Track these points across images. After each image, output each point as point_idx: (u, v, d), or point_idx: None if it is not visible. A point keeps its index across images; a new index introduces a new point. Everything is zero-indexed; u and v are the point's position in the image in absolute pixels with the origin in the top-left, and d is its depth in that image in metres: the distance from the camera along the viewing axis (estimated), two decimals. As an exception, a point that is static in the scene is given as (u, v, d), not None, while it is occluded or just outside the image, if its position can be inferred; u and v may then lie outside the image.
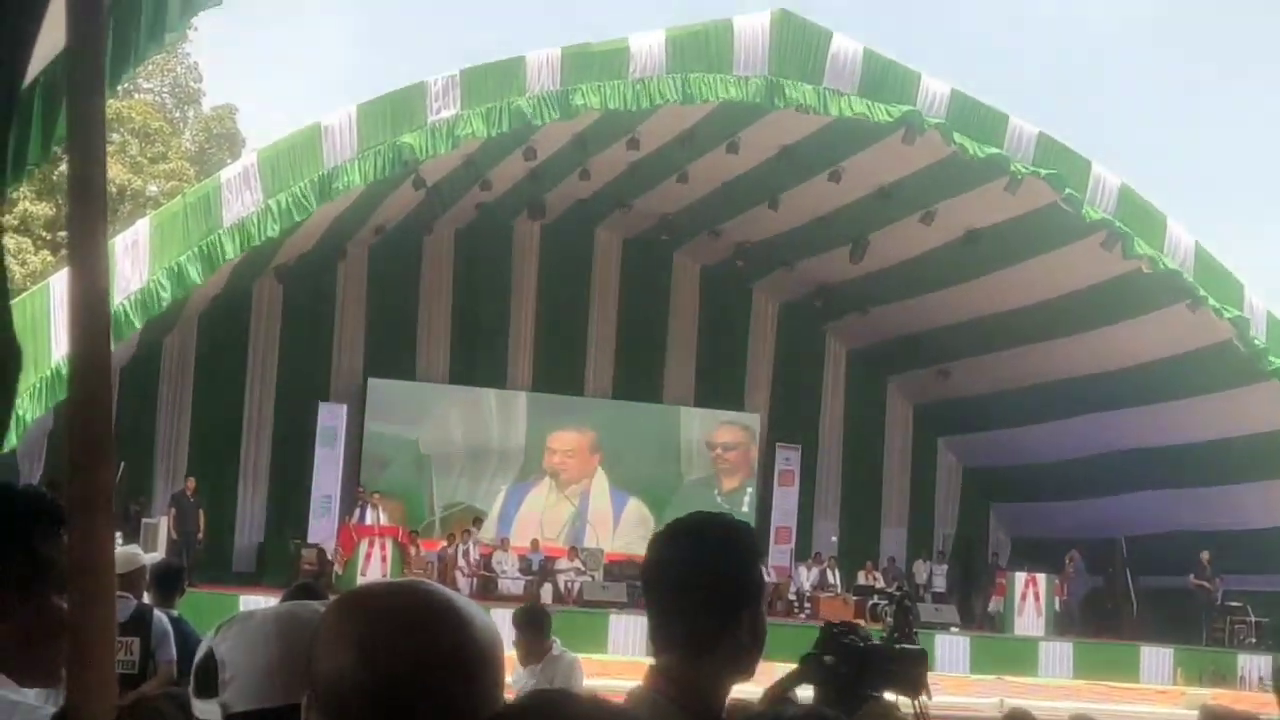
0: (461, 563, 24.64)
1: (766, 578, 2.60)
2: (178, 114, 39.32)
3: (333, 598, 1.79)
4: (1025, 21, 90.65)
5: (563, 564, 25.80)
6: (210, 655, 1.99)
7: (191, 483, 23.52)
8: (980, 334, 26.13)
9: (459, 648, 1.41)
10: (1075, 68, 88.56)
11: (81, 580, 1.28)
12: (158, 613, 7.63)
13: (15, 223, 32.26)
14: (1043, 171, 21.27)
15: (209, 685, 1.96)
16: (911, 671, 3.32)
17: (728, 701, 2.38)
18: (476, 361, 27.90)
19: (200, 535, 23.14)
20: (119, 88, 23.22)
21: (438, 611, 1.44)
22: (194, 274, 17.48)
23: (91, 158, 1.29)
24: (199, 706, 2.02)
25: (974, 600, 27.74)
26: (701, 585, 2.33)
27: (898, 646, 3.38)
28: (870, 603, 23.72)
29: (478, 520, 26.63)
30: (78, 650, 1.25)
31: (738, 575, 2.37)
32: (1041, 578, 25.67)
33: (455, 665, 1.41)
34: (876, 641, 3.32)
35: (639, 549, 26.22)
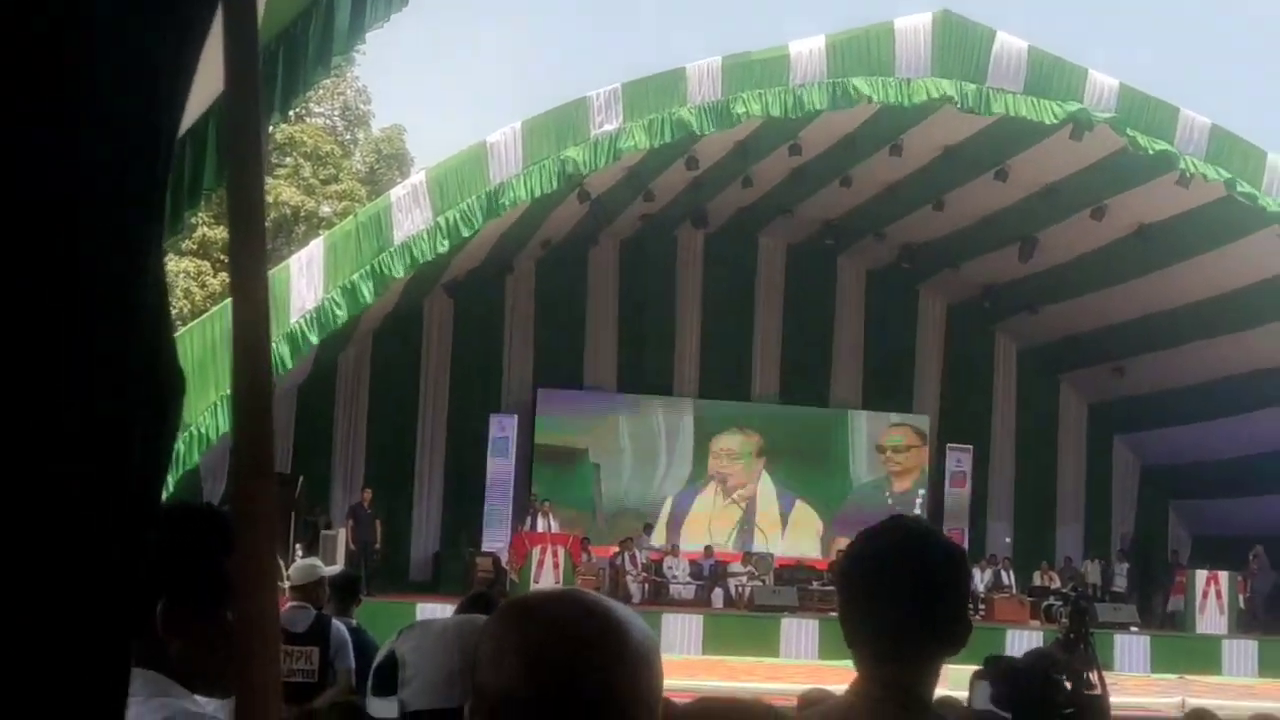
0: (631, 568, 24.82)
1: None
2: (348, 136, 40.17)
3: None
4: (1189, 9, 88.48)
5: (734, 568, 25.85)
6: (392, 655, 2.12)
7: (368, 494, 24.03)
8: (1154, 330, 25.62)
9: (619, 657, 1.43)
10: (1242, 54, 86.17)
11: (243, 594, 1.36)
12: (336, 622, 7.84)
13: (194, 246, 33.25)
14: (1211, 172, 20.76)
15: (389, 683, 2.09)
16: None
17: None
18: (643, 370, 28.10)
19: (377, 546, 23.61)
20: (290, 113, 23.82)
21: (597, 621, 1.46)
22: (366, 292, 17.88)
23: (249, 184, 1.33)
24: (376, 705, 2.15)
25: (1154, 599, 27.18)
26: (937, 591, 2.30)
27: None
28: (1045, 604, 23.35)
29: (648, 526, 26.81)
30: (242, 664, 1.33)
31: (964, 582, 2.37)
32: (1224, 575, 25.06)
33: (615, 674, 1.44)
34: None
35: (809, 552, 26.35)
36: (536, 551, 23.20)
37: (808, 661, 20.51)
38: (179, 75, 1.13)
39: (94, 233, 1.09)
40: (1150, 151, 20.62)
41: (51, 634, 0.98)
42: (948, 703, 4.09)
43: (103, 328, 1.09)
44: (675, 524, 27.94)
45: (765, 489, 28.75)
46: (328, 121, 39.21)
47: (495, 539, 25.27)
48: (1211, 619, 24.64)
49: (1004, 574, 26.57)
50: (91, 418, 1.07)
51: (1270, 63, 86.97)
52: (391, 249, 18.13)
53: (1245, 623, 25.24)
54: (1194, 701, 11.48)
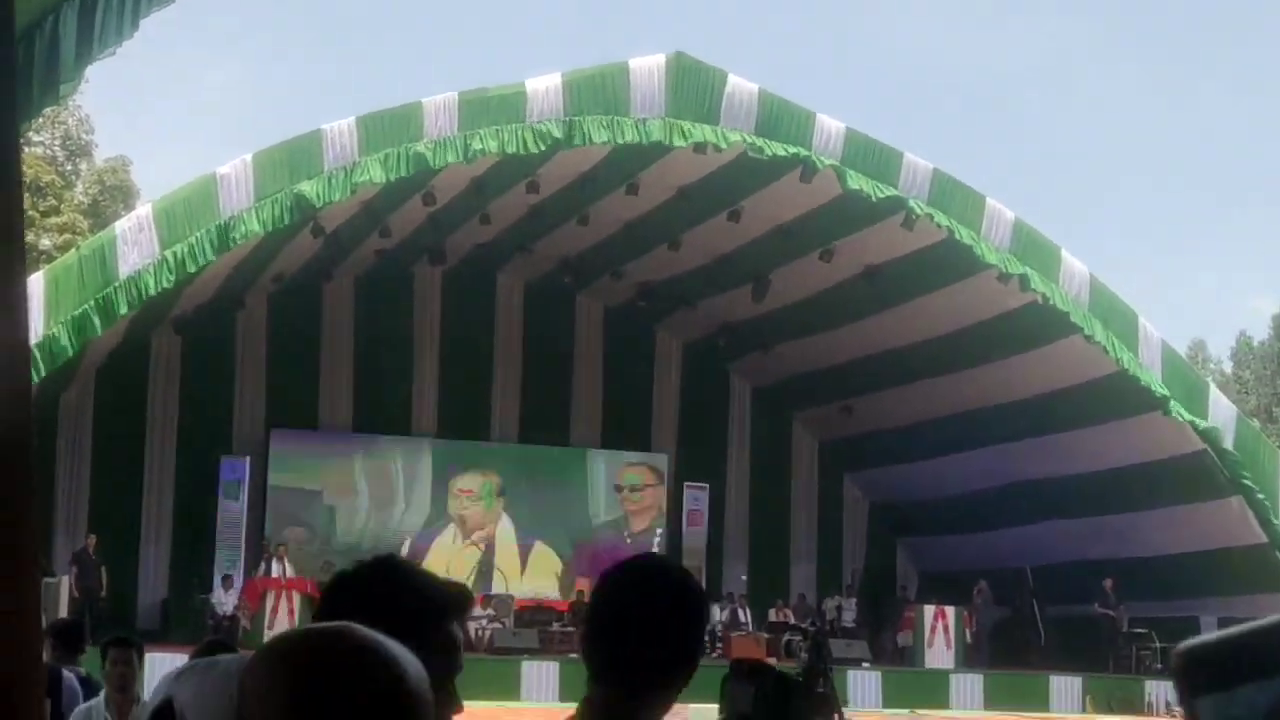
0: (369, 613, 24.32)
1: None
2: (69, 167, 38.82)
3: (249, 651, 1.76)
4: (912, 54, 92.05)
5: (474, 611, 25.57)
6: (169, 703, 1.95)
7: (93, 540, 23.12)
8: (881, 369, 26.33)
9: (393, 694, 1.36)
10: (969, 103, 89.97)
11: (5, 632, 1.24)
12: (65, 671, 7.49)
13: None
14: (937, 216, 21.50)
15: None
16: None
17: None
18: (380, 409, 27.68)
19: (103, 593, 22.73)
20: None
21: (368, 657, 1.39)
22: (93, 326, 17.26)
23: (7, 196, 1.27)
24: None
25: (884, 634, 27.84)
26: (669, 627, 2.35)
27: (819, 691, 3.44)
28: (784, 639, 23.71)
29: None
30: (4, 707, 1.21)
31: (699, 619, 2.41)
32: (950, 610, 25.82)
33: (390, 712, 1.36)
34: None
35: (549, 593, 26.28)
36: (271, 596, 22.64)
37: (549, 704, 20.38)
38: None
39: None
40: (875, 198, 21.23)
41: None
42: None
43: None
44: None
45: (504, 530, 28.58)
46: (48, 151, 37.82)
47: (227, 585, 24.53)
48: (939, 653, 25.34)
49: (740, 611, 26.90)
50: None
51: (986, 109, 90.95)
52: (116, 283, 17.54)
53: (971, 656, 26.03)
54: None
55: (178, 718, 1.92)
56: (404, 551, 27.49)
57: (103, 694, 7.15)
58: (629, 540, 28.83)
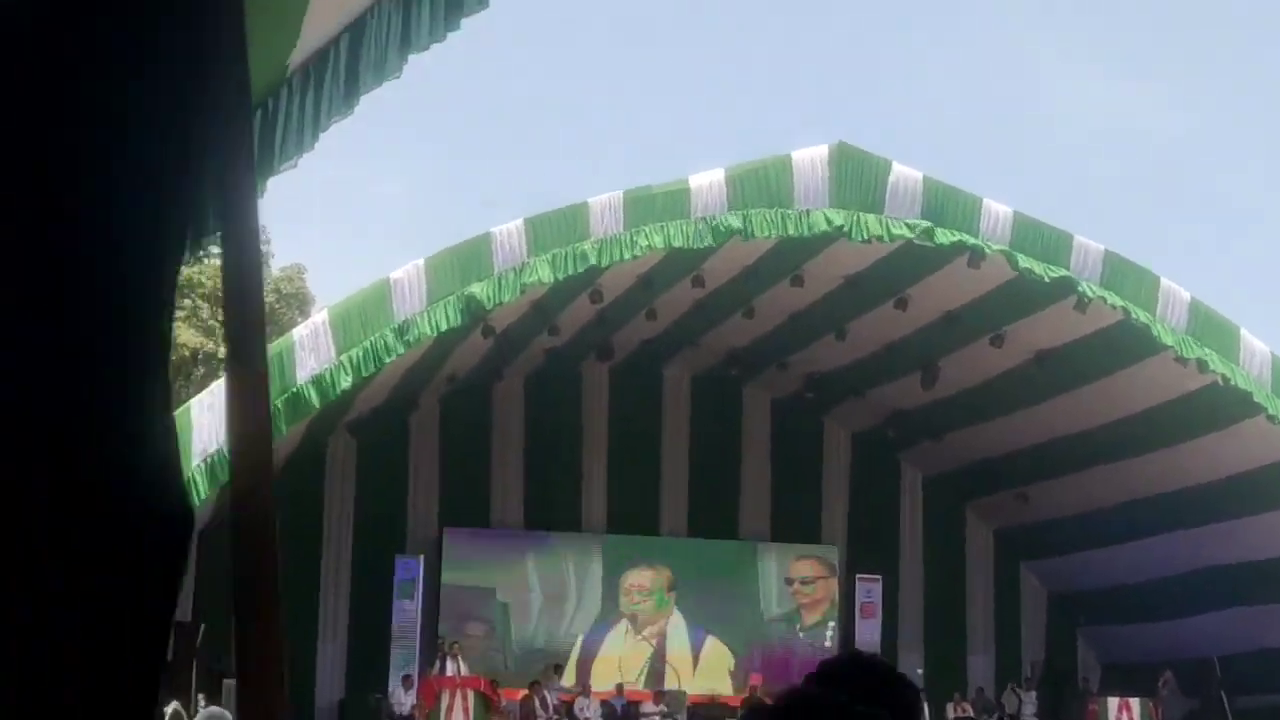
0: (542, 711, 24.40)
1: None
2: (223, 295, 39.86)
3: None
4: (1079, 135, 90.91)
5: (647, 707, 25.51)
6: None
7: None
8: (1057, 455, 25.84)
9: None
10: (1134, 180, 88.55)
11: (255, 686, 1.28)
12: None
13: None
14: (1109, 297, 21.14)
15: None
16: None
17: None
18: (550, 506, 27.86)
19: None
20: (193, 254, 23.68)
21: None
22: (274, 430, 17.62)
23: (248, 261, 1.32)
24: None
25: (1067, 728, 27.13)
26: None
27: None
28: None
29: (558, 666, 26.45)
30: None
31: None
32: (1135, 702, 25.11)
33: None
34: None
35: (721, 689, 26.13)
36: (446, 695, 22.80)
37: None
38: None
39: (106, 372, 1.06)
40: (1046, 279, 20.95)
41: None
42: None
43: (112, 470, 1.05)
44: (585, 664, 27.56)
45: (675, 625, 28.48)
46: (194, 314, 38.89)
47: (406, 684, 24.75)
48: (1126, 747, 24.63)
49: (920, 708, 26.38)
50: (104, 559, 1.03)
51: (1158, 188, 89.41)
52: (295, 388, 17.92)
53: (1159, 747, 25.25)
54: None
55: None
56: (577, 647, 27.60)
57: None
58: (801, 634, 28.55)
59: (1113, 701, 25.13)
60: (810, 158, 20.29)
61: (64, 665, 1.00)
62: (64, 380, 1.01)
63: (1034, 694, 27.98)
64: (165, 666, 1.15)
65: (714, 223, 19.54)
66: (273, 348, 19.30)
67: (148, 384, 1.12)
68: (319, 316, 19.63)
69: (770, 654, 28.07)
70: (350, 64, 8.60)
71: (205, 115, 1.21)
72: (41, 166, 1.04)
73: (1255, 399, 21.88)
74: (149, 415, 1.09)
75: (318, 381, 17.99)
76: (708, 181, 19.73)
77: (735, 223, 19.64)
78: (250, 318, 1.32)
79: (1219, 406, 22.53)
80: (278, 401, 17.76)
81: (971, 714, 26.45)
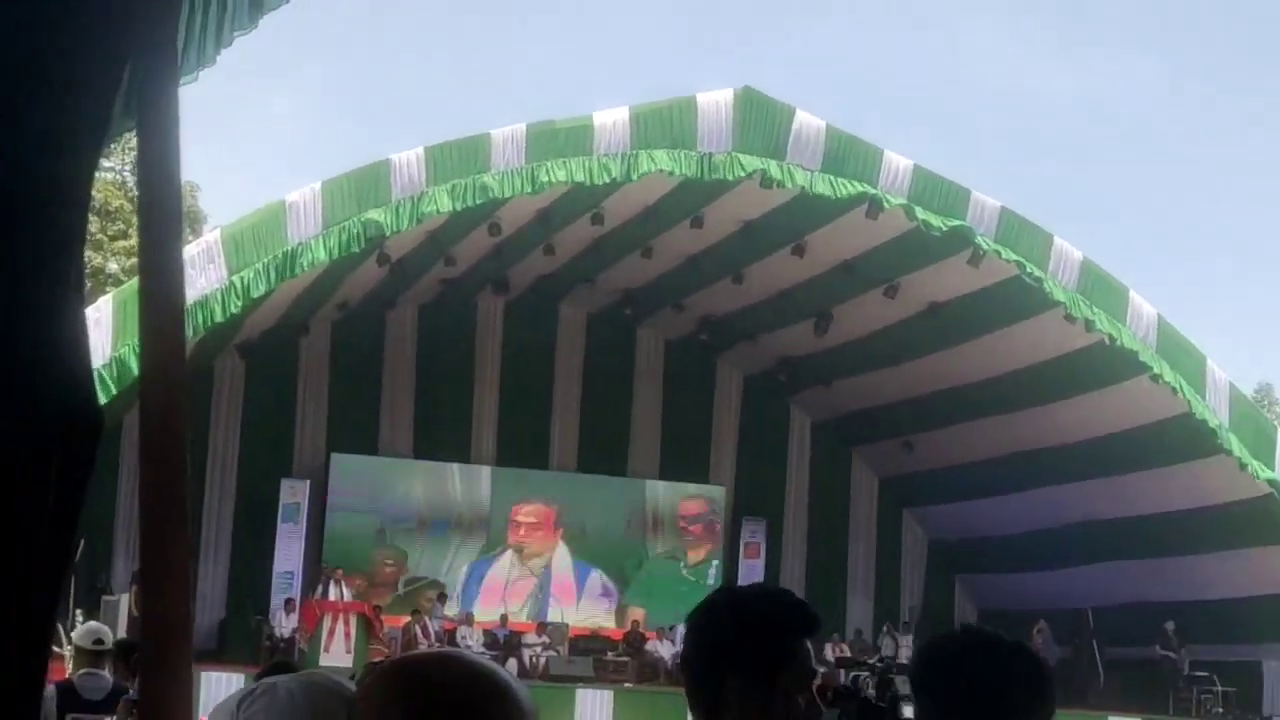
0: (424, 638, 24.43)
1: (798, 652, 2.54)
2: (138, 192, 39.28)
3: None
4: (981, 94, 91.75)
5: (529, 638, 25.63)
6: None
7: (153, 561, 23.23)
8: (944, 406, 26.19)
9: (506, 718, 1.40)
10: (1034, 140, 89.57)
11: (159, 651, 1.28)
12: (133, 690, 7.56)
13: None
14: (1003, 252, 21.42)
15: None
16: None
17: None
18: (440, 436, 27.77)
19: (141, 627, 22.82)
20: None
21: (484, 683, 1.42)
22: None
23: (165, 146, 1.32)
24: None
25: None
26: (698, 637, 2.45)
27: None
28: (851, 674, 23.53)
29: (441, 595, 26.49)
30: (152, 702, 1.25)
31: (715, 642, 2.41)
32: (1008, 649, 25.58)
33: None
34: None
35: (604, 622, 26.27)
36: (328, 619, 22.75)
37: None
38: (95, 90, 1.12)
39: (15, 255, 1.04)
40: (943, 229, 21.16)
41: None
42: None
43: (20, 368, 1.04)
44: (469, 593, 27.61)
45: (561, 559, 28.60)
46: (117, 175, 38.26)
47: (289, 607, 24.66)
48: (998, 692, 25.08)
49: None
50: (14, 455, 1.02)
51: (1053, 146, 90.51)
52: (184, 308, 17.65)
53: (1029, 696, 25.74)
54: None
55: None
56: (461, 576, 27.65)
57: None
58: (685, 572, 28.79)
59: (986, 648, 25.59)
60: (715, 101, 20.28)
61: None
62: None
63: (910, 638, 28.43)
64: (71, 568, 1.16)
65: (616, 160, 19.50)
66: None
67: (59, 282, 1.13)
68: (211, 236, 19.38)
69: (653, 590, 28.31)
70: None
71: (130, 19, 1.21)
72: None
73: (1140, 359, 22.28)
74: (61, 313, 1.10)
75: (207, 301, 17.77)
76: (611, 120, 19.67)
77: (641, 162, 19.61)
78: (168, 220, 1.32)
79: (1104, 365, 22.94)
80: (166, 321, 17.51)
81: (849, 655, 26.81)
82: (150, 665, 1.28)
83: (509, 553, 28.26)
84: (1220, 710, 24.81)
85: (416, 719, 1.39)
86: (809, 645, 2.50)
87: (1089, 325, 22.01)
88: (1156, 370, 22.39)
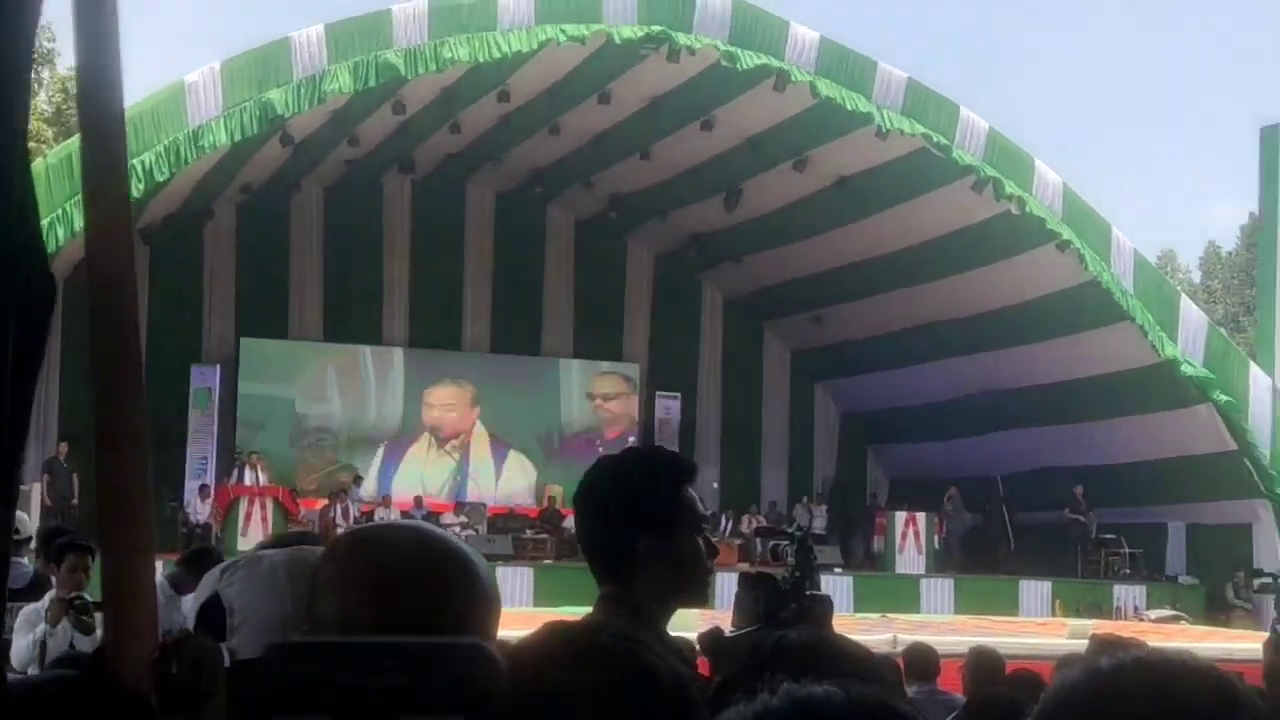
0: (342, 521, 24.45)
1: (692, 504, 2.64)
2: (32, 75, 38.34)
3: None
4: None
5: (447, 519, 25.70)
6: (216, 599, 1.94)
7: (64, 448, 23.07)
8: (853, 279, 26.34)
9: (470, 590, 1.42)
10: (941, 8, 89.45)
11: (117, 517, 1.28)
12: (54, 577, 7.52)
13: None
14: (908, 126, 21.44)
15: (216, 631, 1.90)
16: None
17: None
18: (350, 319, 27.60)
19: (75, 500, 22.73)
20: None
21: (445, 552, 1.45)
22: (56, 238, 17.10)
23: (103, 19, 1.30)
24: None
25: (854, 541, 28.09)
26: (593, 511, 2.51)
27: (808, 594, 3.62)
28: (771, 544, 23.78)
29: (358, 479, 26.49)
30: (114, 589, 1.25)
31: (624, 498, 2.46)
32: (921, 516, 26.07)
33: (467, 606, 1.42)
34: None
35: (523, 500, 26.43)
36: (244, 503, 22.74)
37: (524, 609, 20.50)
38: None
39: None
40: (848, 108, 21.15)
41: None
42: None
43: None
44: (386, 475, 27.63)
45: (478, 438, 28.65)
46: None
47: (203, 494, 24.57)
48: (910, 559, 25.60)
49: (721, 519, 27.10)
50: None
51: (964, 15, 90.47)
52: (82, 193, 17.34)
53: (942, 562, 26.31)
54: (906, 637, 11.80)
55: (226, 611, 1.92)
56: (377, 459, 27.66)
57: (48, 596, 7.17)
58: (601, 448, 28.93)
59: (900, 515, 26.04)
60: (622, -28, 20.02)
61: None
62: None
63: (824, 508, 28.86)
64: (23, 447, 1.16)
65: (520, 35, 19.25)
66: (60, 150, 18.65)
67: (8, 153, 1.11)
68: (108, 119, 18.93)
69: (570, 467, 28.47)
70: None
71: None
72: None
73: (1047, 225, 22.46)
74: (12, 180, 1.10)
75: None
76: (515, -8, 19.38)
77: (540, 35, 19.38)
78: (110, 92, 1.30)
79: (1011, 235, 23.13)
80: (66, 205, 17.20)
81: (766, 524, 27.21)
82: (112, 538, 1.27)
83: (425, 434, 28.25)
84: (1128, 571, 25.41)
85: (380, 587, 1.40)
86: (694, 492, 2.54)
87: (997, 190, 22.13)
88: (1066, 237, 22.58)
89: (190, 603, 2.07)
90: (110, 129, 1.27)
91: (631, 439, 29.25)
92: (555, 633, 1.85)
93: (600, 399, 29.56)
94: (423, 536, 1.46)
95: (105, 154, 1.24)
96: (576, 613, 2.53)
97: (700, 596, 2.49)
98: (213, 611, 1.94)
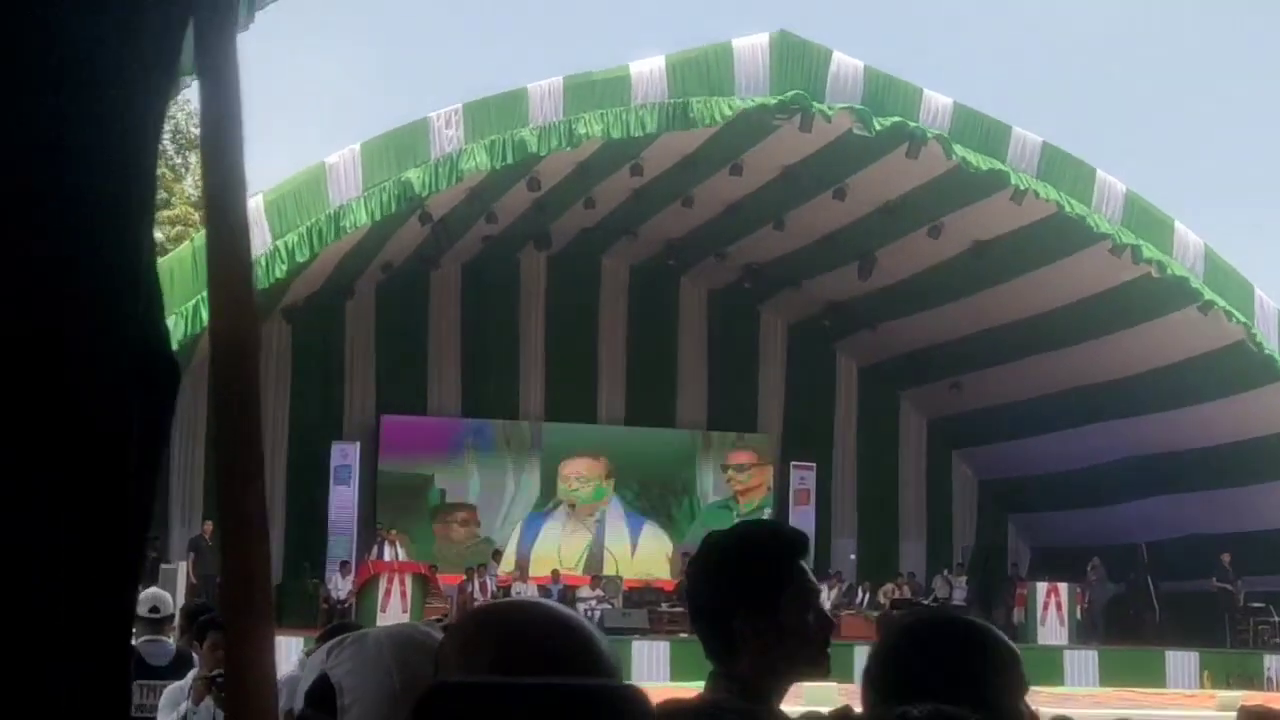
0: (479, 596, 24.57)
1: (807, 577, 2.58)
2: (179, 160, 39.39)
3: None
4: (1020, 29, 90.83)
5: (583, 592, 25.73)
6: (325, 679, 1.95)
7: (209, 526, 23.45)
8: (990, 345, 26.08)
9: (591, 669, 1.41)
10: (1074, 71, 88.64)
11: (238, 600, 1.30)
12: (197, 656, 7.61)
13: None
14: (1043, 190, 21.23)
15: (327, 711, 1.91)
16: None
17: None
18: (488, 394, 27.87)
19: (219, 579, 23.06)
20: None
21: (568, 629, 1.45)
22: (204, 318, 17.49)
23: (228, 97, 1.33)
24: None
25: (995, 612, 27.60)
26: (696, 589, 2.51)
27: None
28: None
29: (496, 552, 26.61)
30: (235, 671, 1.26)
31: (723, 575, 2.44)
32: (1063, 587, 25.56)
33: (582, 668, 1.41)
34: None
35: (658, 574, 26.33)
36: (384, 580, 22.88)
37: (661, 684, 20.41)
38: (160, 68, 1.14)
39: (97, 217, 1.05)
40: (982, 169, 21.00)
41: (52, 620, 0.99)
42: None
43: (103, 316, 1.05)
44: (524, 550, 27.74)
45: (613, 512, 28.68)
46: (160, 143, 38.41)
47: (344, 570, 24.84)
48: (1052, 630, 25.08)
49: (858, 590, 26.86)
50: (90, 408, 1.03)
51: (1095, 79, 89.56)
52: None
53: (1085, 633, 25.75)
54: (1052, 711, 11.55)
55: (336, 690, 1.93)
56: (516, 533, 27.79)
57: (191, 674, 7.26)
58: (737, 518, 28.79)
59: (1041, 586, 25.56)
60: (751, 45, 20.16)
61: (53, 516, 1.01)
62: (61, 223, 1.01)
63: (964, 579, 28.44)
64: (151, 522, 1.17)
65: (653, 111, 19.42)
66: (183, 248, 19.10)
67: (141, 226, 1.11)
68: (252, 201, 19.31)
69: (706, 540, 28.37)
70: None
71: None
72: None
73: (1190, 285, 22.08)
74: (140, 259, 1.10)
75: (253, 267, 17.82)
76: (648, 68, 19.58)
77: (678, 110, 19.53)
78: (232, 168, 1.33)
79: (1151, 298, 22.79)
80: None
81: (909, 596, 26.89)
82: (233, 619, 1.29)
83: (562, 508, 28.36)
84: (1278, 640, 24.71)
85: (504, 666, 1.40)
86: (805, 565, 2.51)
87: (1135, 255, 21.82)
88: (1208, 297, 22.18)
89: (299, 683, 2.08)
90: (234, 206, 1.29)
91: (767, 511, 29.11)
92: (668, 711, 1.86)
93: (734, 470, 29.48)
94: (549, 616, 1.47)
95: (230, 240, 1.26)
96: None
97: (816, 668, 2.45)
98: (323, 691, 1.95)
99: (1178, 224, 22.37)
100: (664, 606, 25.06)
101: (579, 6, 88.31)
